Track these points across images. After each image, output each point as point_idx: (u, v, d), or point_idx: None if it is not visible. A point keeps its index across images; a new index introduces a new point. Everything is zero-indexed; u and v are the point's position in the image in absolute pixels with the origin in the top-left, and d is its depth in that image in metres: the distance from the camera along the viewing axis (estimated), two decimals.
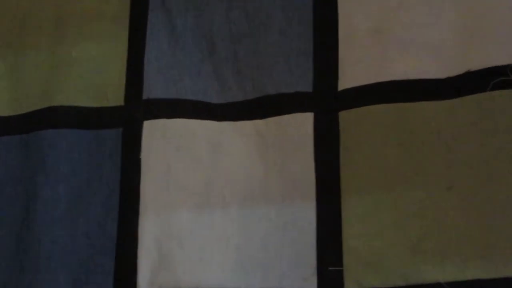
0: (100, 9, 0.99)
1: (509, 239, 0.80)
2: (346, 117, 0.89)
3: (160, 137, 0.92)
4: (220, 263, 0.87)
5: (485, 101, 0.84)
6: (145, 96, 0.94)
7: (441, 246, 0.81)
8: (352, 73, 0.90)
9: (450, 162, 0.84)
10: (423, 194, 0.83)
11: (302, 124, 0.89)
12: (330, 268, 0.84)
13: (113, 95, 0.95)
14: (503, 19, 0.86)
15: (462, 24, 0.88)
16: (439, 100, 0.86)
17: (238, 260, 0.87)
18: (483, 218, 0.81)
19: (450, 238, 0.81)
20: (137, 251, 0.89)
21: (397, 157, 0.85)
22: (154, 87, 0.94)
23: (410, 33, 0.89)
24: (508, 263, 0.79)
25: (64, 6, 1.01)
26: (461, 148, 0.84)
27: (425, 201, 0.83)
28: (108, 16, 0.98)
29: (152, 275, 0.88)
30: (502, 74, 0.84)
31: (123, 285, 0.89)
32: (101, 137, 0.93)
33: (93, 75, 0.96)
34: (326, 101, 0.90)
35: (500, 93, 0.84)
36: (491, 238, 0.80)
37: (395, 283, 0.81)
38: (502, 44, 0.85)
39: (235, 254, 0.87)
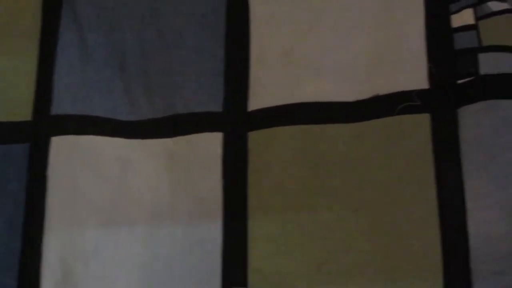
0: (11, 24, 0.98)
1: (412, 262, 0.83)
2: (255, 138, 0.90)
3: (67, 154, 0.91)
4: (125, 282, 0.86)
5: (391, 125, 0.87)
6: (53, 111, 0.93)
7: (346, 268, 0.84)
8: (263, 94, 0.91)
9: (356, 185, 0.86)
10: (329, 216, 0.85)
11: (211, 143, 0.90)
12: None
13: (21, 110, 0.94)
14: (411, 46, 0.90)
15: (371, 49, 0.91)
16: (348, 123, 0.88)
17: (143, 279, 0.86)
18: (388, 240, 0.84)
19: (355, 259, 0.84)
20: (41, 268, 0.87)
21: (304, 179, 0.87)
22: (63, 102, 0.93)
23: (320, 57, 0.91)
24: (410, 285, 0.82)
25: None
26: (368, 171, 0.86)
27: (331, 223, 0.85)
28: (20, 31, 0.97)
29: None
30: (409, 99, 0.87)
31: None
32: (8, 152, 0.92)
33: (1, 89, 0.95)
34: (236, 121, 0.91)
35: (406, 117, 0.87)
36: (395, 261, 0.83)
37: None
38: (409, 70, 0.89)
39: (140, 274, 0.87)
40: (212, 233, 0.87)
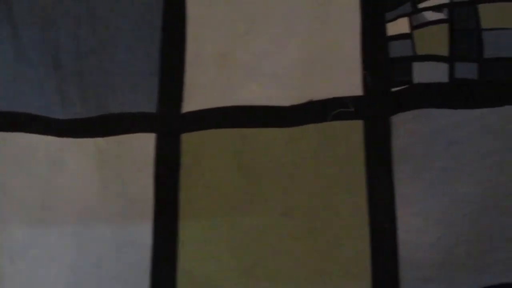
0: None
1: (341, 267, 0.84)
2: (188, 140, 0.90)
3: None
4: (53, 282, 0.86)
5: (325, 130, 0.88)
6: None
7: (275, 271, 0.85)
8: (197, 96, 0.91)
9: (288, 189, 0.88)
10: (260, 219, 0.87)
11: (144, 144, 0.90)
12: None
13: None
14: (346, 53, 0.91)
15: (306, 55, 0.91)
16: (282, 128, 0.89)
17: (71, 279, 0.86)
18: (317, 245, 0.85)
19: (284, 263, 0.85)
20: None
21: (236, 182, 0.88)
22: None
23: (256, 60, 0.92)
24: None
25: None
26: (300, 175, 0.87)
27: (261, 226, 0.86)
28: None
29: None
30: (342, 105, 0.88)
31: None
32: None
33: None
34: (169, 122, 0.91)
35: (339, 123, 0.88)
36: (324, 265, 0.85)
37: None
38: (344, 76, 0.90)
39: (69, 274, 0.86)
40: (142, 234, 0.87)
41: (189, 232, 0.87)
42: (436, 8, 0.91)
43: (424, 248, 0.85)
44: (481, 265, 0.85)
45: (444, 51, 0.90)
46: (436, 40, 0.90)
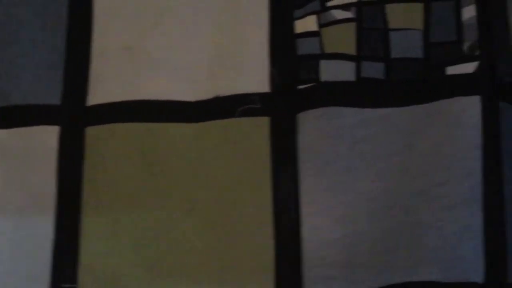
0: None
1: (245, 264, 0.86)
2: (93, 133, 0.91)
3: None
4: None
5: (231, 126, 0.90)
6: None
7: (178, 267, 0.86)
8: (103, 89, 0.92)
9: (193, 185, 0.89)
10: (164, 215, 0.87)
11: (47, 137, 0.90)
12: (64, 286, 0.86)
13: None
14: (254, 49, 0.92)
15: (214, 50, 0.93)
16: (188, 123, 0.90)
17: None
18: (221, 242, 0.87)
19: (187, 260, 0.86)
20: None
21: (140, 177, 0.89)
22: None
23: (163, 54, 0.93)
24: (242, 287, 0.86)
25: None
26: (205, 171, 0.89)
27: (165, 222, 0.87)
28: None
29: None
30: (249, 102, 0.89)
31: None
32: None
33: None
34: (74, 115, 0.92)
35: (246, 120, 0.89)
36: (227, 262, 0.86)
37: None
38: (251, 72, 0.91)
39: None
40: (44, 228, 0.88)
41: (91, 227, 0.88)
42: (344, 7, 0.93)
43: (328, 246, 0.86)
44: (384, 264, 0.86)
45: (351, 50, 0.91)
46: (344, 38, 0.92)
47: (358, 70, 0.91)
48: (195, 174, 0.89)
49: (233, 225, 0.88)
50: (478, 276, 0.83)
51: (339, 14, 0.93)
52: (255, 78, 0.92)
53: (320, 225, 0.87)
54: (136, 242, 0.87)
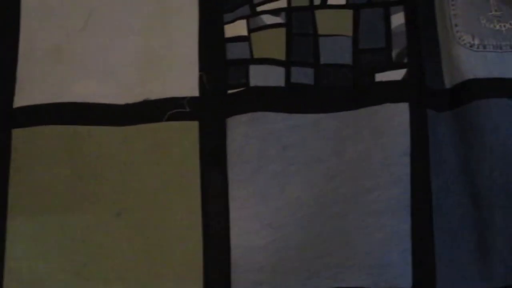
0: None
1: (174, 269, 0.86)
2: (19, 136, 0.90)
3: None
4: None
5: (160, 130, 0.89)
6: None
7: (106, 272, 0.85)
8: (30, 91, 0.91)
9: (121, 189, 0.88)
10: (91, 219, 0.86)
11: None
12: None
13: None
14: (183, 53, 0.92)
15: (144, 53, 0.93)
16: (116, 126, 0.90)
17: None
18: (150, 246, 0.87)
19: (116, 264, 0.86)
20: None
21: (68, 181, 0.88)
22: None
23: (92, 56, 0.92)
24: None
25: None
26: (133, 175, 0.89)
27: (93, 226, 0.86)
28: None
29: None
30: (179, 106, 0.90)
31: None
32: None
33: None
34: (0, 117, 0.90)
35: (175, 124, 0.90)
36: (156, 267, 0.86)
37: None
38: (180, 76, 0.91)
39: None
40: None
41: (17, 230, 0.87)
42: (274, 12, 0.93)
43: (256, 252, 0.87)
44: (312, 269, 0.86)
45: (281, 55, 0.91)
46: (273, 44, 0.92)
47: (287, 75, 0.92)
48: (124, 178, 0.89)
49: (162, 229, 0.87)
50: (406, 282, 0.84)
51: (269, 19, 0.94)
52: (185, 82, 0.92)
53: (249, 230, 0.87)
54: (63, 246, 0.87)
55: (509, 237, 0.86)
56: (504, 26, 0.92)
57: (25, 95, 0.91)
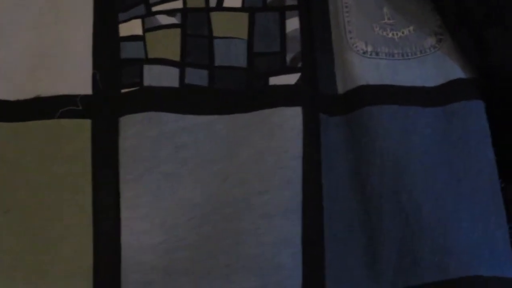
0: None
1: (63, 267, 0.86)
2: None
3: None
4: None
5: (52, 127, 0.89)
6: None
7: None
8: None
9: (11, 185, 0.88)
10: None
11: None
12: None
13: None
14: (77, 51, 0.92)
15: (36, 49, 0.92)
16: (5, 122, 0.90)
17: None
18: (39, 244, 0.86)
19: (5, 260, 0.85)
20: None
21: None
22: None
23: None
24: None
25: None
26: (24, 172, 0.88)
27: None
28: None
29: None
30: (71, 104, 0.90)
31: None
32: None
33: None
34: None
35: (67, 121, 0.90)
36: (45, 264, 0.86)
37: None
38: (73, 74, 0.91)
39: None
40: None
41: None
42: (169, 13, 0.92)
43: (147, 252, 0.86)
44: (203, 270, 0.86)
45: (175, 56, 0.91)
46: (168, 44, 0.92)
47: (182, 76, 0.91)
48: (13, 174, 0.88)
49: (51, 227, 0.86)
50: (295, 285, 0.85)
51: (164, 20, 0.93)
52: (78, 80, 0.90)
53: (140, 230, 0.86)
54: None
55: (397, 242, 0.88)
56: (397, 34, 0.94)
57: None
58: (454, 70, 0.93)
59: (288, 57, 0.92)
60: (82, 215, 0.87)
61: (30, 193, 0.88)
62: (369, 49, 0.92)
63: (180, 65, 0.90)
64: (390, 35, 0.93)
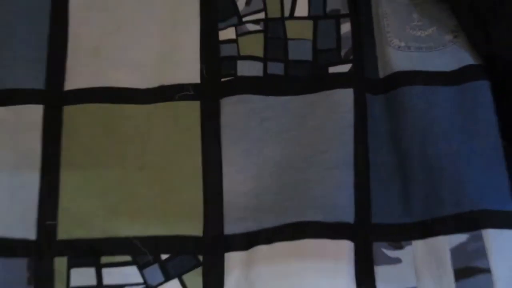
0: None
1: (181, 209, 0.95)
2: (69, 111, 0.99)
3: None
4: None
5: (173, 108, 1.00)
6: None
7: (132, 210, 0.94)
8: (76, 78, 1.01)
9: (144, 150, 0.97)
10: (122, 171, 0.96)
11: (34, 113, 0.99)
12: (48, 222, 0.94)
13: None
14: (189, 51, 1.03)
15: (159, 50, 1.03)
16: (140, 104, 1.00)
17: None
18: (164, 192, 0.96)
19: (139, 204, 0.94)
20: None
21: (104, 144, 0.97)
22: None
23: (121, 53, 1.03)
24: (179, 224, 0.94)
25: None
26: (154, 141, 0.98)
27: (123, 176, 0.96)
28: None
29: None
30: (185, 90, 1.00)
31: None
32: None
33: None
34: (54, 97, 1.00)
35: (183, 103, 1.00)
36: (169, 207, 0.95)
37: (96, 236, 0.93)
38: (187, 68, 1.02)
39: None
40: (32, 180, 0.96)
41: (68, 180, 0.96)
42: (255, 22, 1.04)
43: (241, 196, 0.95)
44: (282, 209, 0.93)
45: (260, 53, 1.02)
46: (254, 45, 1.02)
47: (265, 68, 1.02)
48: (146, 143, 0.97)
49: (173, 180, 0.95)
50: (350, 218, 0.93)
51: (251, 27, 1.04)
52: (189, 72, 1.01)
53: (237, 180, 0.95)
54: (100, 191, 0.95)
55: (424, 185, 0.93)
56: (424, 33, 1.02)
57: (73, 81, 1.01)
58: (466, 58, 1.00)
59: (343, 52, 1.02)
60: (195, 171, 0.96)
61: (158, 155, 0.97)
62: (402, 44, 1.01)
63: (263, 60, 1.01)
64: (419, 33, 1.02)
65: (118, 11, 1.04)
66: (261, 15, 1.04)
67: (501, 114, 0.96)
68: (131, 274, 0.91)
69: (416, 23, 1.03)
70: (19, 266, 0.91)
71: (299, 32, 1.03)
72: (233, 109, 0.99)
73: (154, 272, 0.92)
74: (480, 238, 0.88)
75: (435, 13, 1.03)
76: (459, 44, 1.01)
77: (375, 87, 1.01)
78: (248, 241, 0.92)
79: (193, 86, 1.01)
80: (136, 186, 0.95)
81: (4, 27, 1.02)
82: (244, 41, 1.03)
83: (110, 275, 0.91)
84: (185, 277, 0.92)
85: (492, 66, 0.98)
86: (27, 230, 0.93)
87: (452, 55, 1.00)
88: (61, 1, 1.04)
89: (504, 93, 0.97)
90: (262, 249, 0.90)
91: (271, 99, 0.99)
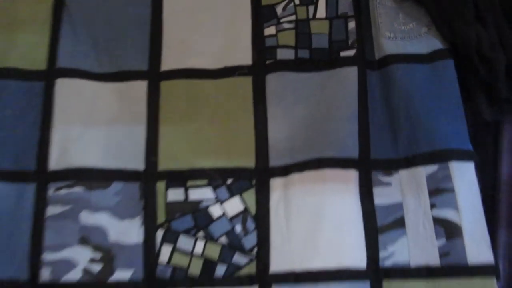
0: None
1: (241, 149, 1.16)
2: (165, 85, 1.21)
3: None
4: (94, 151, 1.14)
5: (233, 82, 1.22)
6: None
7: (207, 150, 1.15)
8: (169, 61, 1.22)
9: (215, 110, 1.19)
10: (199, 124, 1.17)
11: (141, 86, 1.20)
12: (151, 158, 1.16)
13: None
14: (244, 43, 1.24)
15: (223, 42, 1.25)
16: (212, 79, 1.22)
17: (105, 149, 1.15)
18: (228, 138, 1.17)
19: (211, 146, 1.16)
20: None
21: (189, 105, 1.18)
22: None
23: (198, 43, 1.24)
24: (239, 160, 1.15)
25: None
26: (220, 105, 1.20)
27: (201, 128, 1.17)
28: None
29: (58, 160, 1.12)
30: (242, 69, 1.22)
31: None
32: None
33: None
34: (154, 75, 1.21)
35: (240, 78, 1.21)
36: (232, 148, 1.16)
37: (184, 167, 1.13)
38: (242, 53, 1.23)
39: (104, 142, 1.16)
40: (140, 132, 1.16)
41: (165, 131, 1.18)
42: (289, 22, 1.26)
43: (280, 141, 1.16)
44: (309, 148, 1.14)
45: (292, 43, 1.25)
46: (288, 38, 1.24)
47: (296, 53, 1.23)
48: (217, 105, 1.19)
49: (234, 130, 1.18)
50: (355, 154, 1.13)
51: (286, 26, 1.27)
52: (245, 56, 1.23)
53: (278, 130, 1.16)
54: (186, 137, 1.16)
55: (407, 132, 1.12)
56: (407, 27, 1.23)
57: (167, 64, 1.23)
58: (437, 44, 1.19)
59: (350, 42, 1.24)
60: (249, 123, 1.19)
61: (223, 116, 1.19)
62: (392, 35, 1.22)
63: (295, 48, 1.24)
64: (403, 27, 1.22)
65: (196, 14, 1.25)
66: (293, 17, 1.26)
67: (461, 84, 1.15)
68: (207, 192, 1.12)
69: (401, 20, 1.23)
70: (134, 188, 1.11)
71: (319, 29, 1.24)
72: (275, 81, 1.20)
73: (223, 191, 1.12)
74: (447, 168, 1.09)
75: (415, 13, 1.23)
76: (432, 34, 1.21)
77: (372, 65, 1.21)
78: (285, 170, 1.13)
79: (247, 67, 1.23)
80: (209, 134, 1.17)
81: (120, 28, 1.23)
82: (281, 35, 1.25)
83: (193, 193, 1.11)
84: (244, 194, 1.12)
85: (455, 50, 1.17)
86: (138, 164, 1.14)
87: (426, 42, 1.20)
88: (157, 8, 1.23)
89: (463, 68, 1.16)
90: (295, 176, 1.12)
91: (301, 75, 1.21)
